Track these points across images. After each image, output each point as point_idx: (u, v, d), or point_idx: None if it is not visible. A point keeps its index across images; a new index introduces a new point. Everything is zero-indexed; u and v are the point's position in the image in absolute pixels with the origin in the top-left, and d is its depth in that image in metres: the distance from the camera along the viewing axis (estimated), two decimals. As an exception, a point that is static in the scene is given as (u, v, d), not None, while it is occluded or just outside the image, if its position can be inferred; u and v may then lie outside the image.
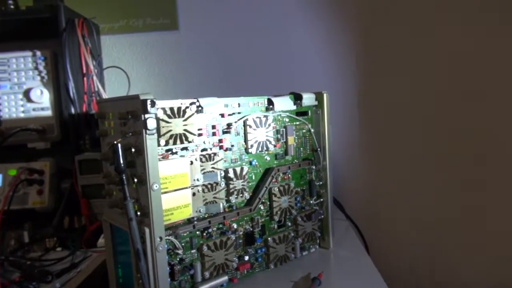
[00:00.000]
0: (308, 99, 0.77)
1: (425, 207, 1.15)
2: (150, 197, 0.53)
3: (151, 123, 0.53)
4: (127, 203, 0.53)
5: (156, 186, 0.54)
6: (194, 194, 0.60)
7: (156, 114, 0.54)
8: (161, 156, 0.57)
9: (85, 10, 1.02)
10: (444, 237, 1.15)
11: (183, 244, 0.60)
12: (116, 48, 1.11)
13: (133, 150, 0.54)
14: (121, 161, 0.52)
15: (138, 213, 0.55)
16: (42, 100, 0.90)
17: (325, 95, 0.78)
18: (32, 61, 0.90)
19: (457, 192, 1.12)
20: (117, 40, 1.10)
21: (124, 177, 0.53)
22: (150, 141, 0.53)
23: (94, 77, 0.93)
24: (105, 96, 0.97)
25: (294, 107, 0.75)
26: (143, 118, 0.52)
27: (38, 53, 0.90)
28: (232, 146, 0.66)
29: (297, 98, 0.76)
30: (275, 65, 1.12)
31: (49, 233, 0.82)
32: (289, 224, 0.76)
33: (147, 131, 0.52)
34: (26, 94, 0.90)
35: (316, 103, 0.78)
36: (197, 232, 0.62)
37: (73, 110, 0.90)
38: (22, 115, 0.90)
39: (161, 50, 1.13)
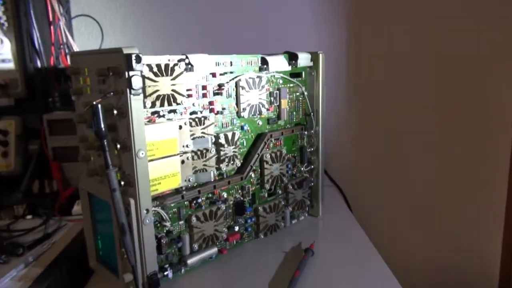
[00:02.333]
0: (304, 59, 0.71)
1: (405, 170, 1.15)
2: (135, 165, 0.47)
3: (137, 82, 0.46)
4: (110, 172, 0.47)
5: (142, 153, 0.48)
6: (183, 161, 0.54)
7: (141, 72, 0.47)
8: (147, 120, 0.50)
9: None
10: (424, 198, 1.16)
11: (170, 215, 0.55)
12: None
13: (115, 112, 0.47)
14: (102, 125, 0.46)
15: (122, 182, 0.49)
16: (2, 51, 0.79)
17: (320, 55, 0.73)
18: (-12, 5, 0.78)
19: (437, 156, 1.12)
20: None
21: (105, 143, 0.47)
22: (135, 102, 0.46)
23: (62, 27, 0.82)
24: (75, 48, 0.87)
25: (289, 68, 0.69)
26: (127, 76, 0.45)
27: (-5, -5, 0.78)
28: (224, 109, 0.60)
29: (292, 58, 0.70)
30: (263, 23, 1.04)
31: (17, 199, 0.75)
32: (280, 192, 0.72)
33: (132, 91, 0.46)
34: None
35: (311, 64, 0.72)
36: (186, 203, 0.57)
37: (39, 63, 0.80)
38: (-22, 67, 0.79)
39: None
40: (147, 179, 0.49)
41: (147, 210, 0.49)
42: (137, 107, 0.47)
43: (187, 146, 0.54)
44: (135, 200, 0.48)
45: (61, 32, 0.83)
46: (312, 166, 0.77)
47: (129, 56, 0.45)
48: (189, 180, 0.56)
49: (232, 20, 1.03)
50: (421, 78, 1.07)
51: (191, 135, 0.55)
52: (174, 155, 0.53)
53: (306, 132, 0.75)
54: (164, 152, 0.52)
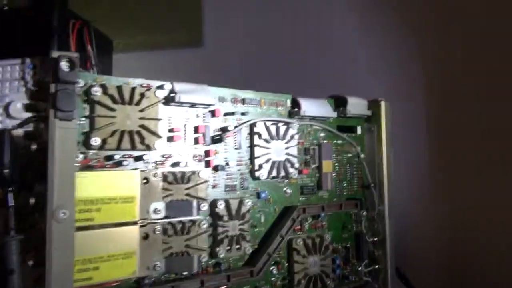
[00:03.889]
0: (356, 106, 0.50)
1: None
2: (48, 233, 0.29)
3: (65, 99, 0.30)
4: (7, 242, 0.29)
5: (64, 214, 0.30)
6: (146, 236, 0.35)
7: (80, 86, 0.31)
8: (85, 164, 0.33)
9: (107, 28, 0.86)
10: None
11: (121, 325, 0.34)
12: (130, 67, 0.94)
13: (33, 147, 0.31)
14: (6, 159, 0.30)
15: (31, 262, 0.30)
16: (24, 116, 0.72)
17: (383, 103, 0.52)
18: (20, 70, 0.74)
19: None
20: (130, 57, 0.94)
21: (10, 192, 0.30)
22: (62, 131, 0.30)
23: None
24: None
25: (334, 115, 0.49)
26: (51, 90, 0.30)
27: (28, 60, 0.74)
28: (227, 164, 0.41)
29: (339, 103, 0.50)
30: (316, 83, 0.87)
31: None
32: (322, 302, 0.47)
33: (58, 113, 0.30)
34: (6, 108, 0.73)
35: (368, 113, 0.52)
36: (153, 305, 0.36)
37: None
38: (-3, 133, 0.73)
39: (180, 71, 0.94)
40: (69, 257, 0.30)
41: (65, 313, 0.29)
42: (64, 139, 0.30)
43: (155, 211, 0.35)
44: (44, 293, 0.29)
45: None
46: (377, 266, 0.51)
47: (56, 60, 0.30)
48: (155, 268, 0.35)
49: (286, 87, 0.88)
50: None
51: (166, 196, 0.36)
52: (131, 223, 0.34)
53: (364, 213, 0.52)
54: (111, 217, 0.33)
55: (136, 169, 0.35)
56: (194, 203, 0.37)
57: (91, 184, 0.32)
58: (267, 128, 0.43)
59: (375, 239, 0.52)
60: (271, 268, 0.43)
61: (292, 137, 0.45)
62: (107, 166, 0.34)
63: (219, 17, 0.97)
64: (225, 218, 0.39)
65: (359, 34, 0.87)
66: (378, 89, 0.77)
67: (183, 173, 0.37)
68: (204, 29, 0.97)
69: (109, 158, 0.34)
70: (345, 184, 0.51)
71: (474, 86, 0.76)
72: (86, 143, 0.33)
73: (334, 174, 0.49)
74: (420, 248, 0.78)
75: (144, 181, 0.35)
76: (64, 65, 0.30)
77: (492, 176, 0.74)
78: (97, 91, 0.33)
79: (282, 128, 0.45)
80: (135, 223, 0.34)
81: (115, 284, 0.33)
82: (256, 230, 0.43)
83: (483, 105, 0.75)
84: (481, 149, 0.75)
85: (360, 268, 0.51)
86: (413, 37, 0.82)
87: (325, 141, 0.49)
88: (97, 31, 0.80)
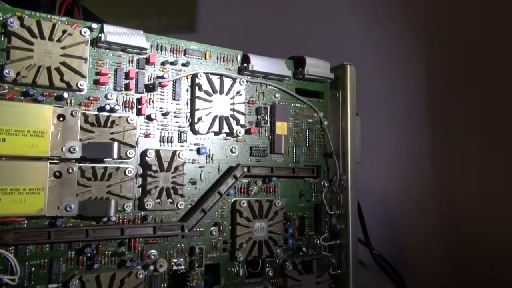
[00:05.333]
0: (316, 67, 0.47)
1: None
2: None
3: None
4: None
5: (-41, 137, 0.29)
6: (59, 174, 0.33)
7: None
8: (-5, 93, 0.32)
9: (99, 10, 0.88)
10: None
11: (30, 268, 0.32)
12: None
13: None
14: None
15: None
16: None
17: (349, 67, 0.49)
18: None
19: None
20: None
21: None
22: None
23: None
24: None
25: (289, 73, 0.46)
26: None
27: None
28: (164, 115, 0.39)
29: (299, 65, 0.47)
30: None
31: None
32: (270, 274, 0.44)
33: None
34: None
35: (331, 75, 0.49)
36: (69, 253, 0.34)
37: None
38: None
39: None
40: (-38, 183, 0.29)
41: (-47, 241, 0.28)
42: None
43: (71, 150, 0.34)
44: None
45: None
46: (338, 241, 0.48)
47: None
48: (67, 208, 0.33)
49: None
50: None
51: (87, 138, 0.35)
52: (40, 158, 0.32)
53: (327, 184, 0.48)
54: (18, 150, 0.32)
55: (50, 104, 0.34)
56: (115, 146, 0.35)
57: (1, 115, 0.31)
58: (209, 81, 0.41)
59: (338, 212, 0.48)
60: (212, 228, 0.40)
61: (238, 92, 0.43)
62: (23, 101, 0.33)
63: (213, 1, 0.97)
64: (154, 168, 0.37)
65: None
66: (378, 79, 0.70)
67: (108, 117, 0.36)
68: (198, 13, 0.97)
69: (26, 94, 0.33)
70: (303, 150, 0.47)
71: (472, 71, 0.70)
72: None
73: (291, 139, 0.46)
74: (410, 232, 0.71)
75: (61, 118, 0.33)
76: (-33, -14, 0.29)
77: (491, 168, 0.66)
78: (13, 22, 0.32)
79: (228, 83, 0.42)
80: (47, 159, 0.32)
81: (21, 219, 0.32)
82: (195, 187, 0.40)
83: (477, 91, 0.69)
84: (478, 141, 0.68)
85: (318, 242, 0.47)
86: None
87: (279, 101, 0.46)
88: (91, 14, 0.81)
